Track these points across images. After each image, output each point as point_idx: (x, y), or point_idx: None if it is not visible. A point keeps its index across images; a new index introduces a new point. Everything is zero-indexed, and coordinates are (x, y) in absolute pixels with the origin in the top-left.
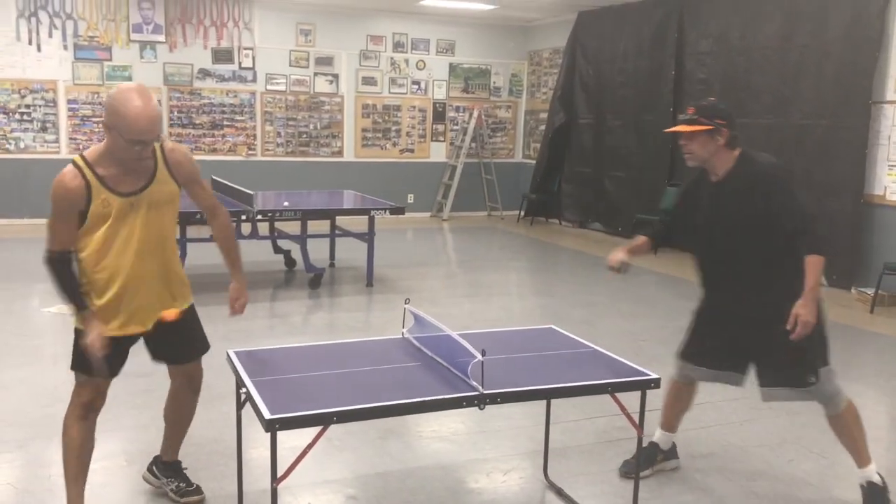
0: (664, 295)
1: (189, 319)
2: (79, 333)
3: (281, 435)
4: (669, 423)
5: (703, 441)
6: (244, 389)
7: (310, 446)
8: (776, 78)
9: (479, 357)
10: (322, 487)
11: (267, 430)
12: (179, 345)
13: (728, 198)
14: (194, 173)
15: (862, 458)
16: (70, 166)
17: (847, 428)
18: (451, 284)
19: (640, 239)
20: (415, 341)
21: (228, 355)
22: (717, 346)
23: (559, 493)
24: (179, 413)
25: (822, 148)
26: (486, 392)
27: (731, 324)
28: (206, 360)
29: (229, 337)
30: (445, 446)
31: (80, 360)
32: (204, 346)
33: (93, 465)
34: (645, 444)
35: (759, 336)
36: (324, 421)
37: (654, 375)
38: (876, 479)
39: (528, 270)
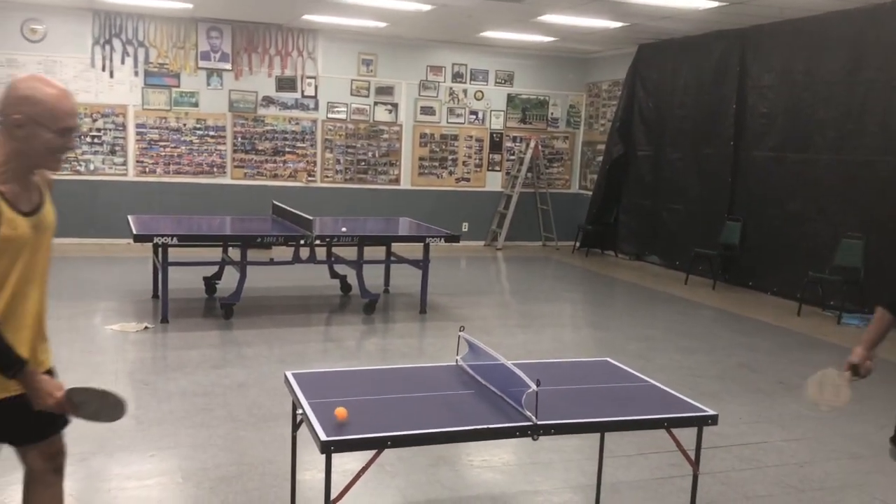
0: (722, 331)
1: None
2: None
3: (334, 458)
4: None
5: (760, 482)
6: (300, 411)
7: (364, 469)
8: (841, 113)
9: (534, 387)
10: None
11: (322, 452)
12: (42, 416)
13: None
14: None
15: None
16: None
17: None
18: (505, 314)
19: (881, 317)
20: (469, 369)
21: (286, 377)
22: None
23: None
24: None
25: (888, 184)
26: (540, 423)
27: None
28: (261, 382)
29: (284, 360)
30: (496, 476)
31: (39, 427)
32: (66, 419)
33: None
34: (701, 480)
35: None
36: (378, 445)
37: (711, 412)
38: None
39: (583, 302)
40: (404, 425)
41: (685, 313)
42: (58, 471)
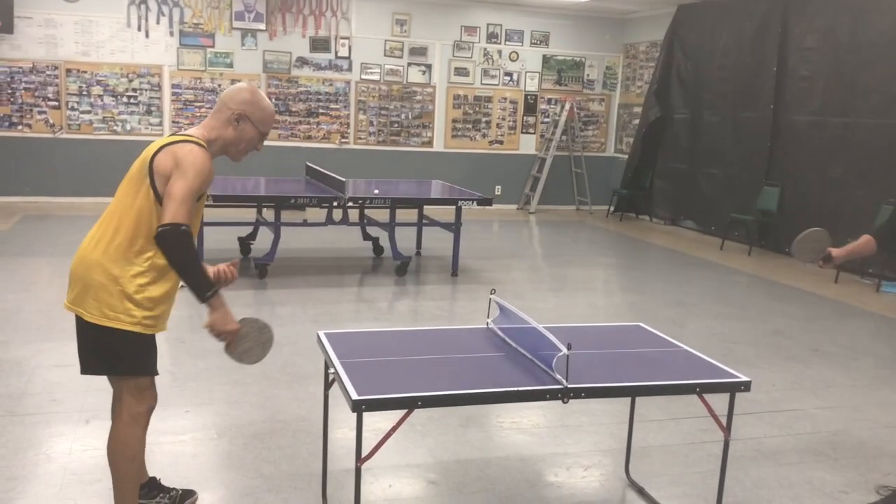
0: (757, 297)
1: None
2: (132, 338)
3: (365, 417)
4: None
5: (792, 449)
6: (332, 370)
7: (394, 428)
8: (887, 76)
9: (565, 351)
10: (403, 471)
11: (353, 411)
12: (155, 353)
13: None
14: None
15: None
16: (202, 148)
17: None
18: (537, 278)
19: (862, 238)
20: (499, 332)
21: (319, 336)
22: None
23: (640, 492)
24: None
25: None
26: (570, 386)
27: None
28: (295, 341)
29: (317, 320)
30: (526, 438)
31: (144, 363)
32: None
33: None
34: (732, 446)
35: None
36: (409, 405)
37: (744, 378)
38: None
39: (616, 267)
40: (435, 386)
41: (720, 279)
42: (150, 411)
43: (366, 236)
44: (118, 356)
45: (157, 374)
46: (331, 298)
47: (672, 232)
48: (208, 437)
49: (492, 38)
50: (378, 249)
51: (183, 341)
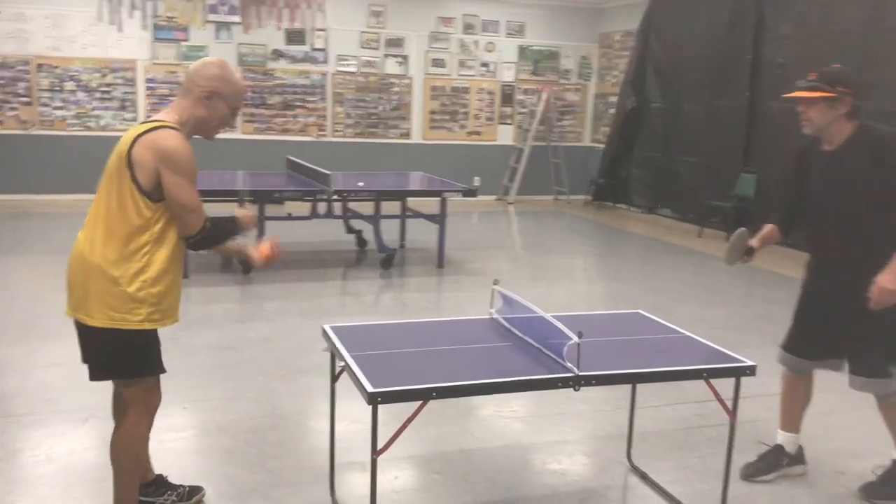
0: (737, 283)
1: None
2: (140, 337)
3: (367, 410)
4: (790, 423)
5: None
6: (342, 363)
7: (410, 419)
8: (860, 64)
9: (576, 339)
10: (407, 462)
11: (369, 403)
12: (158, 353)
13: (842, 168)
14: None
15: None
16: (178, 132)
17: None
18: (518, 268)
19: (767, 227)
20: (504, 322)
21: (324, 329)
22: (819, 337)
23: (643, 477)
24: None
25: None
26: (581, 374)
27: (834, 314)
28: (288, 335)
29: (305, 314)
30: (526, 427)
31: (152, 362)
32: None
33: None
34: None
35: (860, 325)
36: (423, 396)
37: (749, 362)
38: None
39: (596, 255)
40: (447, 376)
41: (700, 266)
42: (155, 410)
43: (349, 229)
44: (126, 358)
45: (164, 371)
46: (317, 292)
47: (650, 220)
48: (209, 434)
49: (468, 28)
50: (361, 242)
51: (175, 338)
